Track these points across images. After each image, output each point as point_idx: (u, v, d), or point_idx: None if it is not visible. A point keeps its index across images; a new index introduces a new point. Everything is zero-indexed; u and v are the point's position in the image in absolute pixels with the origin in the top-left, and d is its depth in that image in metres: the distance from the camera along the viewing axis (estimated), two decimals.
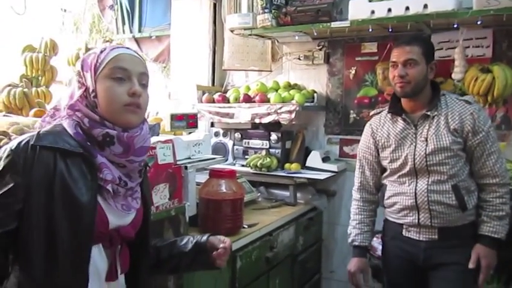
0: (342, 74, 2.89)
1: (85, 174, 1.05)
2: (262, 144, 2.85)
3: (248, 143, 2.90)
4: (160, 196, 1.80)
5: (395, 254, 1.96)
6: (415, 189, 1.84)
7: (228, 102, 2.91)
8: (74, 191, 1.02)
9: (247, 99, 2.83)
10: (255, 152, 2.85)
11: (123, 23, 3.71)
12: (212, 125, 3.13)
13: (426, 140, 1.82)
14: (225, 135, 3.03)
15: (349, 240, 2.06)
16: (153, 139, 1.98)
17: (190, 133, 2.42)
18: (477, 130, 1.79)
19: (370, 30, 2.50)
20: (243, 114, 2.78)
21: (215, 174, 2.11)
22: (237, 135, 2.94)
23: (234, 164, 2.90)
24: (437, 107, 1.84)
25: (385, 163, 1.97)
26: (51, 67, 2.76)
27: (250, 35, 2.79)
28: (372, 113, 2.11)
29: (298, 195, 2.71)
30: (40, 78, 2.71)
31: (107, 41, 3.24)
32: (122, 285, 1.22)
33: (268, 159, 2.74)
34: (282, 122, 2.69)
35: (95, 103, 1.09)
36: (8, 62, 2.71)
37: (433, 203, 1.81)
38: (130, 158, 1.10)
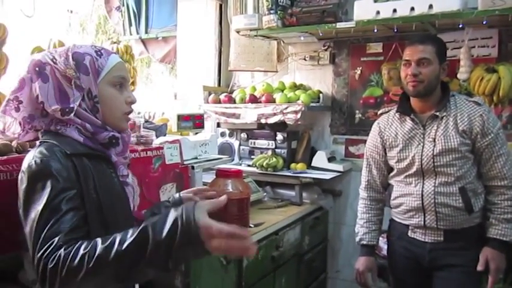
0: (347, 74, 2.90)
1: (110, 172, 1.14)
2: (268, 144, 2.86)
3: (254, 143, 2.92)
4: (168, 195, 1.82)
5: (400, 254, 1.97)
6: (422, 190, 1.84)
7: (234, 102, 2.92)
8: (113, 186, 1.12)
9: (253, 99, 2.85)
10: (261, 152, 2.87)
11: (130, 24, 3.73)
12: (218, 125, 3.15)
13: (434, 141, 1.81)
14: (231, 135, 3.05)
15: (357, 239, 2.06)
16: (161, 139, 2.01)
17: (196, 133, 2.44)
18: (486, 132, 1.77)
19: (376, 30, 2.50)
20: (249, 115, 2.80)
21: (222, 173, 2.10)
22: (243, 135, 2.95)
23: (240, 164, 2.92)
24: (447, 107, 1.83)
25: (392, 162, 1.96)
26: None
27: (256, 35, 2.80)
28: (380, 111, 2.10)
29: (304, 195, 2.73)
30: None
31: (114, 43, 3.25)
32: None
33: (274, 159, 2.76)
34: (288, 122, 2.71)
35: (96, 108, 1.12)
36: (18, 64, 2.73)
37: (439, 205, 1.80)
38: (126, 155, 1.21)
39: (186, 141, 2.08)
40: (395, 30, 2.51)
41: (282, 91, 2.87)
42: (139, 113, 3.07)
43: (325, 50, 2.94)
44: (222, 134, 3.08)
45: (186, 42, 3.25)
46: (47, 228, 0.93)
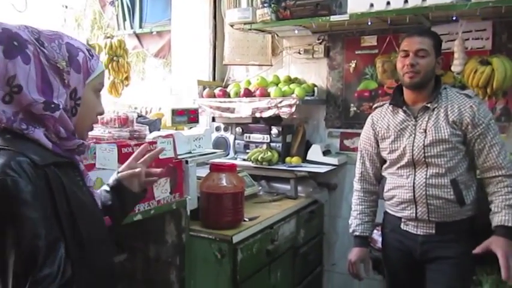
0: (342, 67, 2.90)
1: (78, 181, 1.03)
2: (263, 138, 2.86)
3: (249, 137, 2.92)
4: (162, 190, 1.82)
5: (394, 246, 1.98)
6: (413, 182, 1.85)
7: (229, 96, 2.92)
8: (83, 199, 0.99)
9: (248, 93, 2.84)
10: (256, 146, 2.87)
11: (124, 19, 3.73)
12: (213, 119, 3.14)
13: (425, 132, 1.83)
14: (226, 129, 3.05)
15: (350, 230, 2.08)
16: (154, 134, 2.01)
17: (191, 128, 2.44)
18: (477, 122, 1.78)
19: (370, 23, 2.50)
20: (243, 109, 2.80)
21: (216, 168, 2.13)
22: (238, 129, 2.95)
23: (236, 158, 2.92)
24: (438, 99, 1.84)
25: (384, 154, 1.98)
26: None
27: (250, 29, 2.79)
28: (374, 105, 2.12)
29: (299, 188, 2.73)
30: None
31: (108, 37, 3.25)
32: None
33: (269, 153, 2.76)
34: (283, 116, 2.70)
35: (75, 111, 1.00)
36: None
37: (431, 197, 1.81)
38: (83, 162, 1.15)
39: (179, 135, 2.08)
40: (390, 23, 2.50)
41: (277, 85, 2.87)
42: (135, 108, 3.07)
43: (320, 43, 2.94)
44: (217, 129, 3.08)
45: (180, 37, 3.24)
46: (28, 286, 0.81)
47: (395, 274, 2.02)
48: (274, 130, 2.83)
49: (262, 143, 2.86)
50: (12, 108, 0.90)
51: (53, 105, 0.93)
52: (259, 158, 2.74)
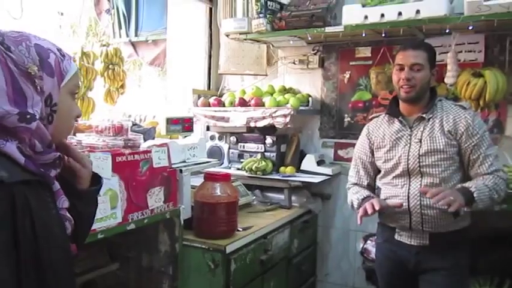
0: (336, 78, 2.92)
1: (48, 202, 0.89)
2: (258, 148, 2.87)
3: (243, 146, 2.92)
4: (155, 199, 1.82)
5: (387, 257, 1.98)
6: (408, 192, 1.86)
7: (224, 106, 2.93)
8: (51, 223, 0.87)
9: (243, 103, 2.85)
10: (250, 156, 2.87)
11: (120, 27, 3.72)
12: (208, 128, 3.14)
13: (420, 141, 1.84)
14: (220, 138, 3.05)
15: (355, 205, 1.94)
16: (149, 143, 2.01)
17: (185, 137, 2.44)
18: (472, 133, 1.80)
19: (364, 35, 2.53)
20: (238, 118, 2.80)
21: (210, 177, 2.13)
22: (233, 138, 2.95)
23: (230, 168, 2.92)
24: (433, 110, 1.86)
25: (379, 163, 1.98)
26: None
27: (245, 39, 2.81)
28: (371, 116, 2.13)
29: (293, 198, 2.73)
30: None
31: (104, 45, 3.25)
32: None
33: (263, 163, 2.76)
34: (277, 126, 2.71)
35: (51, 119, 0.90)
36: None
37: (425, 208, 1.82)
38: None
39: (174, 144, 2.08)
40: (384, 35, 2.53)
41: (272, 95, 2.88)
42: (129, 116, 3.07)
43: (315, 54, 2.96)
44: (212, 138, 3.08)
45: (175, 45, 3.25)
46: None
47: (389, 285, 2.01)
48: (269, 140, 2.83)
49: (257, 152, 2.86)
50: None
51: (28, 116, 0.83)
52: (253, 168, 2.74)
